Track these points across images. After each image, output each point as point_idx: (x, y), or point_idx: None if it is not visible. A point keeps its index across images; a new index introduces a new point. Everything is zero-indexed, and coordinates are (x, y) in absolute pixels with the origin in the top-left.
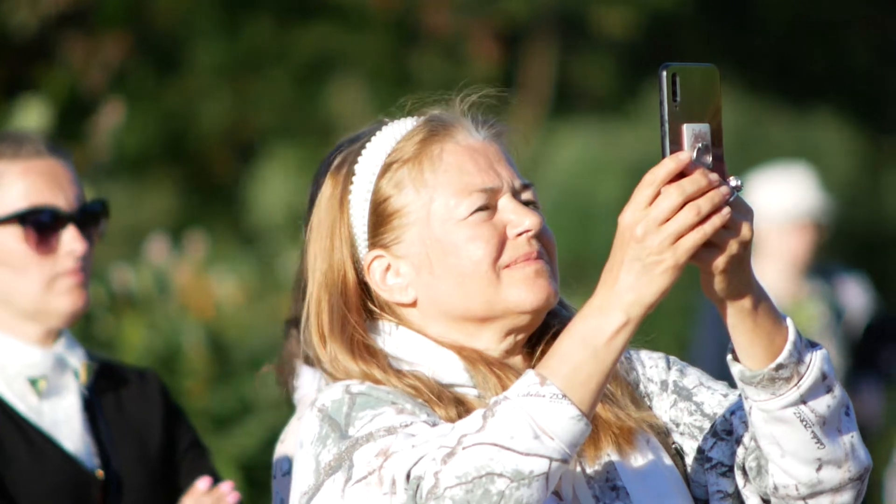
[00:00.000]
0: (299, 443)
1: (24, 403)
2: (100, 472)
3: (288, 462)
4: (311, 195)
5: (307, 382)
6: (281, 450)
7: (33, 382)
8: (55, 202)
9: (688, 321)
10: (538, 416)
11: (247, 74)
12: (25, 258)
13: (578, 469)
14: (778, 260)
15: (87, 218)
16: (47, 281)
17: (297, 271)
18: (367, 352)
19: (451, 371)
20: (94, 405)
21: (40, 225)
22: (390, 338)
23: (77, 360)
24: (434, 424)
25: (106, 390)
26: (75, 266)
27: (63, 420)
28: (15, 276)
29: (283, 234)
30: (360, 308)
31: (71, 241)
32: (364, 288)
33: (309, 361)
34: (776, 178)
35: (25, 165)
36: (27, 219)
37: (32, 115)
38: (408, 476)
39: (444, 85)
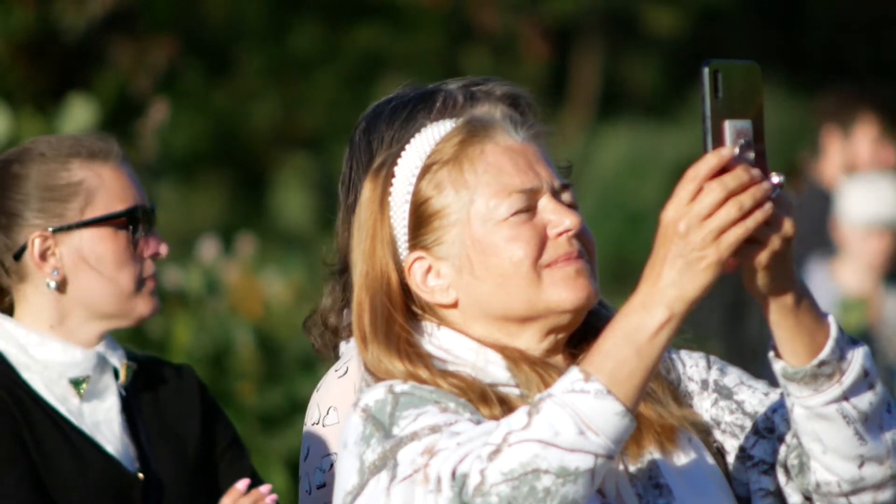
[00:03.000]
0: (343, 443)
1: (66, 406)
2: (140, 475)
3: (318, 410)
4: (344, 175)
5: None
6: (315, 397)
7: (76, 384)
8: (143, 204)
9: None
10: (583, 412)
11: (296, 75)
12: (120, 259)
13: (621, 467)
14: (857, 264)
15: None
16: (136, 283)
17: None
18: (411, 351)
19: (494, 370)
20: (132, 406)
21: (135, 228)
22: (432, 338)
23: (117, 360)
24: (478, 423)
25: (143, 389)
26: (155, 270)
27: (103, 421)
28: (104, 277)
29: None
30: (403, 309)
31: (156, 244)
32: (405, 289)
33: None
34: (865, 182)
35: (117, 169)
36: (126, 220)
37: (80, 115)
38: (453, 474)
39: None
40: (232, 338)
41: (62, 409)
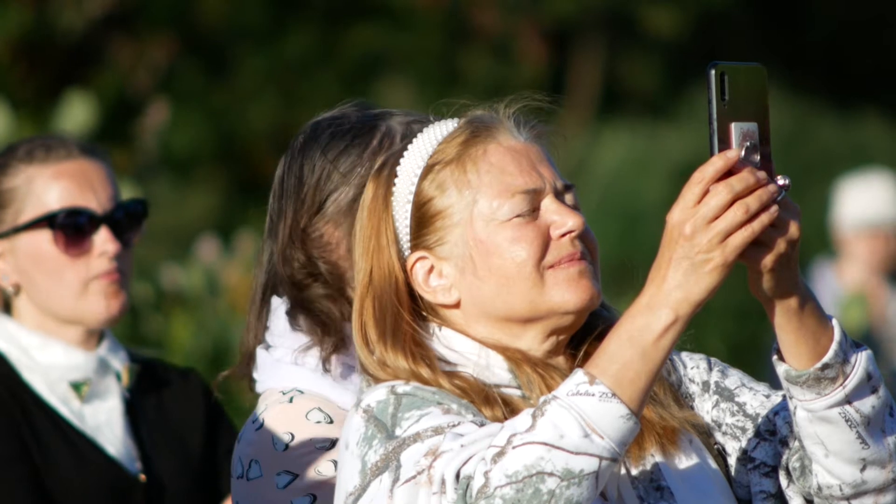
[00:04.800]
0: (344, 444)
1: (67, 407)
2: (142, 476)
3: (241, 464)
4: (281, 175)
5: (267, 371)
6: (237, 449)
7: (76, 387)
8: (87, 204)
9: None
10: (588, 414)
11: (294, 75)
12: (58, 261)
13: (623, 469)
14: (860, 264)
15: (124, 218)
16: (81, 284)
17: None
18: (416, 350)
19: (496, 372)
20: (135, 408)
21: (71, 227)
22: (434, 339)
23: (119, 362)
24: (481, 425)
25: (148, 392)
26: (109, 268)
27: (105, 423)
28: (50, 280)
29: None
30: (410, 308)
31: (103, 242)
32: (411, 289)
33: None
34: (860, 184)
35: (56, 168)
36: (58, 221)
37: (78, 114)
38: (457, 475)
39: (492, 84)
40: (231, 338)
41: (64, 411)
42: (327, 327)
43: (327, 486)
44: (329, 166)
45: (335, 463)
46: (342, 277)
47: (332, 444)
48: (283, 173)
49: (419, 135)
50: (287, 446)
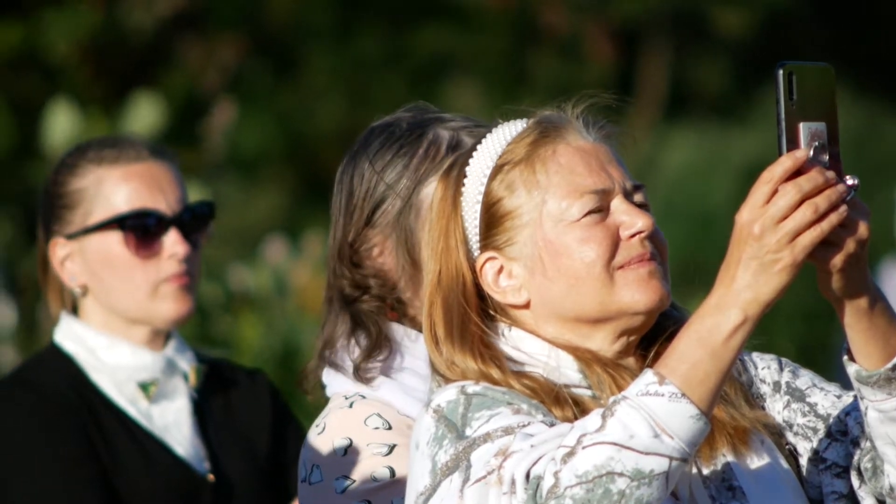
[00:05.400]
0: (414, 443)
1: (135, 408)
2: (210, 476)
3: (304, 468)
4: (341, 177)
5: (333, 375)
6: (303, 452)
7: (144, 387)
8: (156, 206)
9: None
10: (658, 414)
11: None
12: (128, 263)
13: (694, 469)
14: None
15: (192, 220)
16: (151, 286)
17: (334, 242)
18: (485, 351)
19: (566, 372)
20: (203, 408)
21: (141, 229)
22: (504, 339)
23: (187, 363)
24: (551, 425)
25: (215, 392)
26: (178, 270)
27: (173, 424)
28: (119, 282)
29: None
30: (478, 309)
31: (173, 244)
32: (479, 290)
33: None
34: None
35: (126, 170)
36: (127, 223)
37: (147, 114)
38: (527, 476)
39: (560, 85)
40: (299, 338)
41: (131, 412)
42: (373, 339)
43: (383, 492)
44: (376, 177)
45: (391, 469)
46: (393, 288)
47: (390, 449)
48: (337, 182)
49: (488, 135)
50: (346, 451)
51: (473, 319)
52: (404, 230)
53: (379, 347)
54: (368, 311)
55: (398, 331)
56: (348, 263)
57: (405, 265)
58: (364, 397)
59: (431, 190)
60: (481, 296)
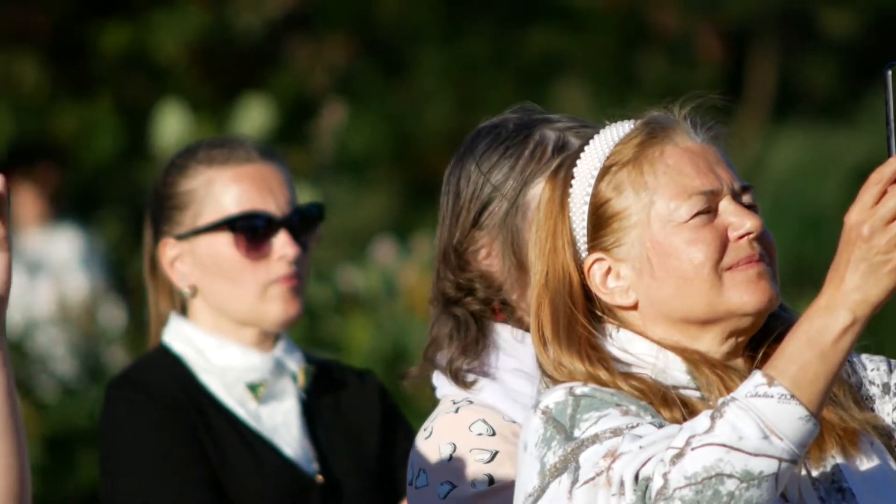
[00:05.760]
0: (523, 445)
1: (244, 409)
2: (319, 477)
3: (412, 471)
4: (448, 179)
5: (442, 378)
6: (411, 455)
7: (252, 388)
8: (266, 207)
9: None
10: (767, 416)
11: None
12: (238, 265)
13: (804, 471)
14: None
15: (301, 222)
16: (260, 288)
17: (439, 243)
18: (592, 353)
19: (674, 373)
20: (312, 409)
21: (251, 231)
22: (612, 340)
23: (295, 363)
24: (660, 426)
25: (324, 393)
26: (288, 272)
27: (282, 425)
28: (229, 283)
29: None
30: (585, 310)
31: (282, 246)
32: (586, 290)
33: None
34: None
35: (236, 171)
36: (238, 225)
37: (256, 116)
38: (636, 477)
39: (669, 86)
40: (409, 339)
41: (240, 412)
42: (471, 341)
43: (482, 500)
44: (482, 179)
45: (490, 476)
46: (499, 290)
47: (492, 456)
48: (444, 184)
49: (596, 136)
50: (450, 457)
51: (580, 321)
52: (511, 231)
53: (476, 349)
54: (471, 313)
55: (504, 332)
56: (453, 266)
57: (511, 267)
58: (471, 402)
59: (538, 191)
60: (588, 297)
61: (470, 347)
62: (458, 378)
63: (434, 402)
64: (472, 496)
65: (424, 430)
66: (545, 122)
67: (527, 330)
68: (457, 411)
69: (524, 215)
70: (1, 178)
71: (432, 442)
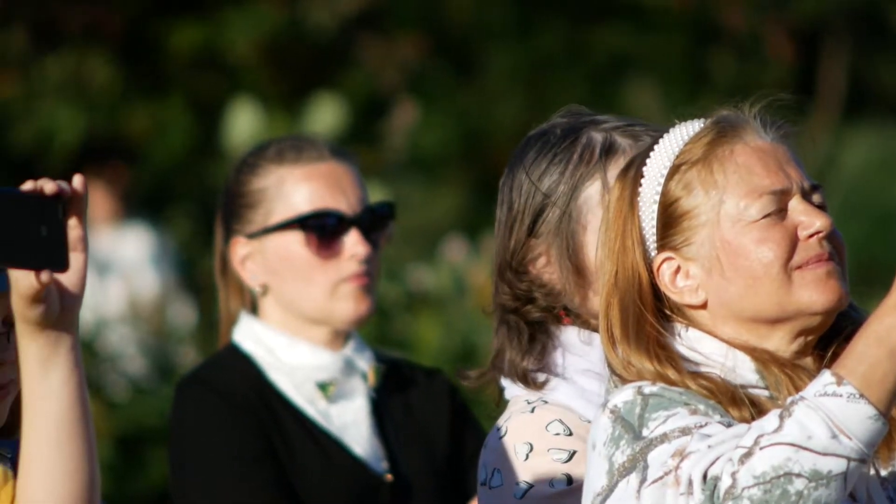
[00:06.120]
0: (591, 444)
1: (314, 407)
2: (388, 476)
3: (485, 470)
4: (502, 188)
5: (511, 383)
6: (483, 455)
7: (322, 387)
8: (337, 206)
9: None
10: (836, 415)
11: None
12: (309, 263)
13: (872, 470)
14: None
15: (372, 221)
16: (331, 286)
17: (496, 255)
18: (661, 352)
19: (743, 372)
20: (381, 408)
21: (322, 229)
22: (681, 339)
23: (365, 362)
24: (728, 425)
25: (394, 392)
26: (358, 270)
27: (351, 423)
28: (299, 282)
29: None
30: (654, 309)
31: (353, 245)
32: (655, 289)
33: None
34: None
35: (307, 170)
36: (309, 223)
37: (327, 114)
38: (704, 476)
39: (739, 85)
40: (478, 338)
41: (310, 411)
42: (538, 346)
43: (560, 499)
44: (533, 187)
45: (568, 476)
46: (560, 297)
47: (570, 456)
48: (499, 194)
49: (665, 135)
50: (526, 456)
51: (649, 320)
52: (566, 237)
53: (538, 351)
54: (533, 321)
55: (572, 334)
56: (509, 277)
57: (569, 273)
58: (546, 402)
59: (590, 193)
60: (657, 296)
61: (532, 350)
62: (526, 379)
63: (499, 402)
64: (551, 496)
65: (498, 429)
66: (592, 124)
67: (594, 331)
68: (532, 411)
69: (578, 219)
70: (80, 178)
71: (507, 441)
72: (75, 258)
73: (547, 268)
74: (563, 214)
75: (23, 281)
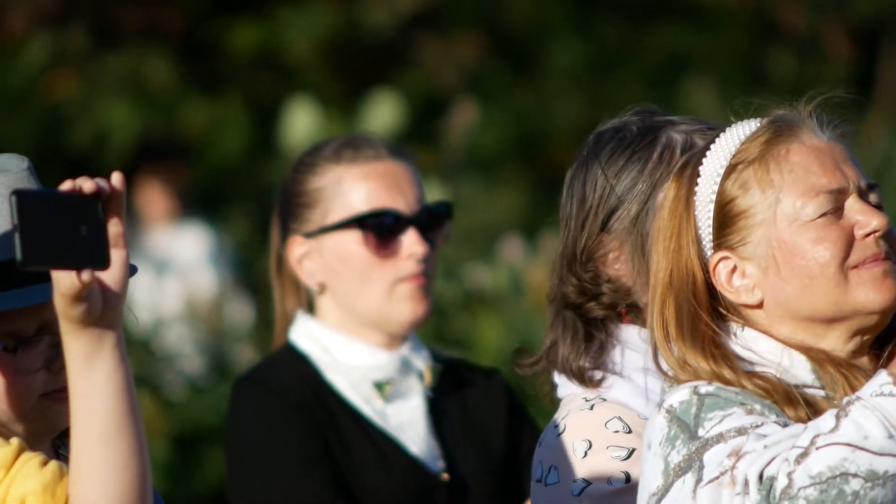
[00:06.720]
0: (647, 444)
1: (370, 407)
2: (445, 476)
3: (541, 468)
4: (571, 182)
5: (565, 380)
6: (538, 452)
7: (379, 386)
8: (395, 205)
9: None
10: (892, 415)
11: (599, 74)
12: (366, 262)
13: None
14: None
15: (430, 220)
16: (388, 285)
17: (564, 248)
18: (717, 351)
19: (799, 372)
20: (438, 407)
21: (380, 228)
22: (737, 339)
23: (422, 362)
24: (784, 425)
25: (450, 391)
26: (416, 270)
27: (408, 423)
28: (357, 281)
29: None
30: (709, 308)
31: (411, 244)
32: (710, 289)
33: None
34: None
35: (365, 169)
36: (367, 222)
37: (385, 113)
38: (760, 476)
39: (798, 84)
40: (536, 338)
41: (366, 411)
42: (598, 343)
43: (618, 497)
44: (608, 184)
45: (627, 474)
46: (627, 294)
47: (629, 454)
48: (567, 188)
49: (721, 134)
50: (585, 454)
51: (704, 319)
52: (640, 235)
53: (595, 348)
54: (594, 317)
55: (633, 332)
56: (578, 270)
57: (641, 270)
58: (605, 400)
59: None
60: (713, 295)
61: (589, 349)
62: (582, 377)
63: (554, 401)
64: (608, 494)
65: (555, 426)
66: (670, 125)
67: None
68: (591, 408)
69: (654, 219)
70: (118, 176)
71: (565, 439)
72: (116, 255)
73: (616, 264)
74: (640, 212)
75: (64, 280)
